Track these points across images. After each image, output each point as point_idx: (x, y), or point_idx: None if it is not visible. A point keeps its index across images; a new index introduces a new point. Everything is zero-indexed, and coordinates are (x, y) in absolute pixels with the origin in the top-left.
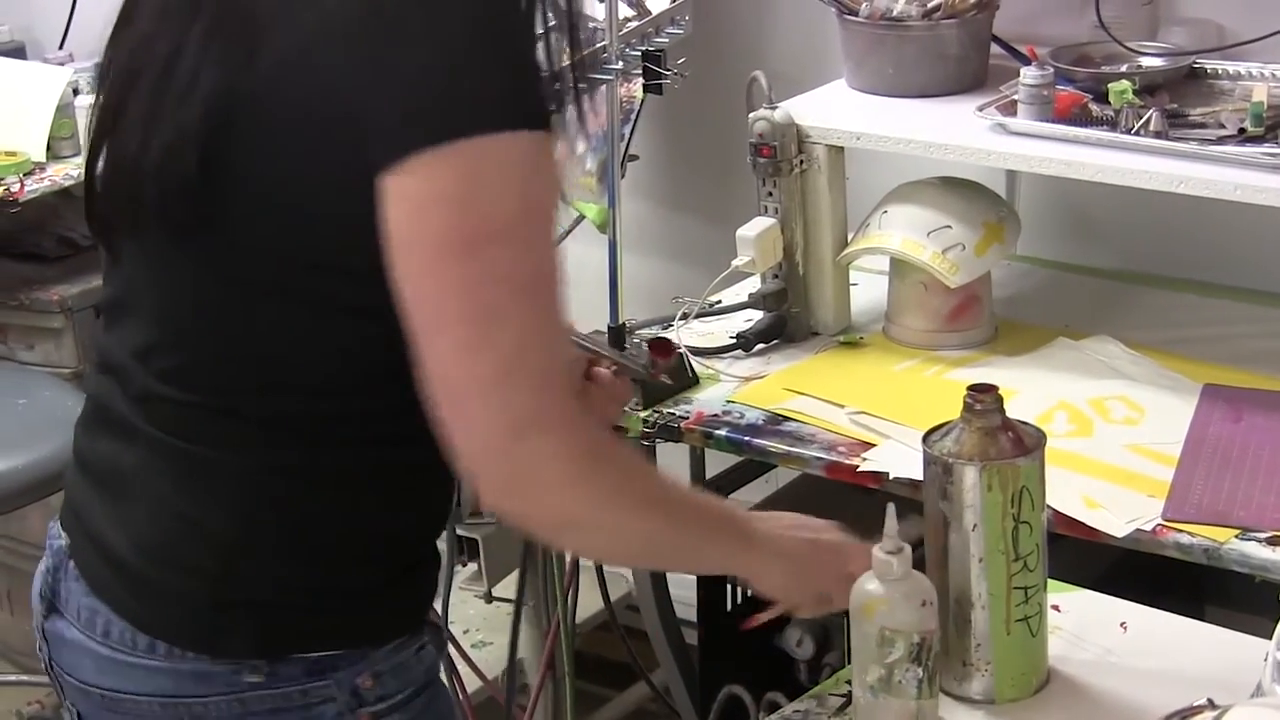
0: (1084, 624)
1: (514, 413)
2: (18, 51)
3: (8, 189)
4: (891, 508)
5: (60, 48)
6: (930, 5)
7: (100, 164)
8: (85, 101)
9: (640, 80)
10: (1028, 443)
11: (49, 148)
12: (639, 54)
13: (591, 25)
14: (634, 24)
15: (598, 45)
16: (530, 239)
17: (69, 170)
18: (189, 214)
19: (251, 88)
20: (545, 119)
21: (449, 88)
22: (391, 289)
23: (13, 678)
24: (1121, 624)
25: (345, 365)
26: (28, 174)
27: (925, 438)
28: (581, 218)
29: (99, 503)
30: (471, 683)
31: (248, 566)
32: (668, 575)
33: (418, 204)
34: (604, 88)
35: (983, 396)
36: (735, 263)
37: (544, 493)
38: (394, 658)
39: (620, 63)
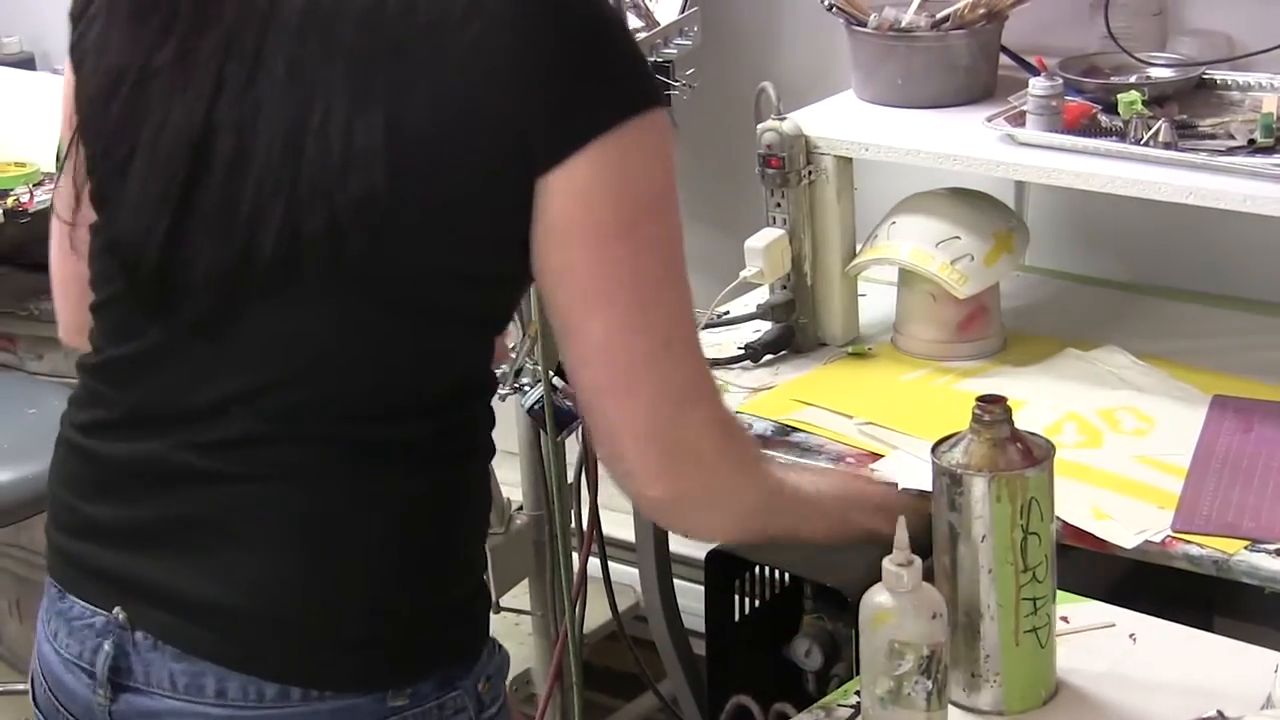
0: (1093, 635)
1: (676, 383)
2: (27, 63)
3: (17, 200)
4: (901, 519)
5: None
6: (939, 16)
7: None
8: None
9: None
10: (1037, 454)
11: (58, 158)
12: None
13: None
14: (642, 35)
15: None
16: (672, 209)
17: None
18: (357, 254)
19: (410, 120)
20: (663, 96)
21: (593, 82)
22: (522, 289)
23: (20, 687)
24: (1131, 635)
25: (460, 379)
26: (37, 184)
27: (934, 449)
28: None
29: (172, 562)
30: None
31: (380, 595)
32: (675, 585)
33: (581, 194)
34: None
35: (991, 407)
36: (743, 274)
37: (696, 465)
38: (492, 661)
39: None
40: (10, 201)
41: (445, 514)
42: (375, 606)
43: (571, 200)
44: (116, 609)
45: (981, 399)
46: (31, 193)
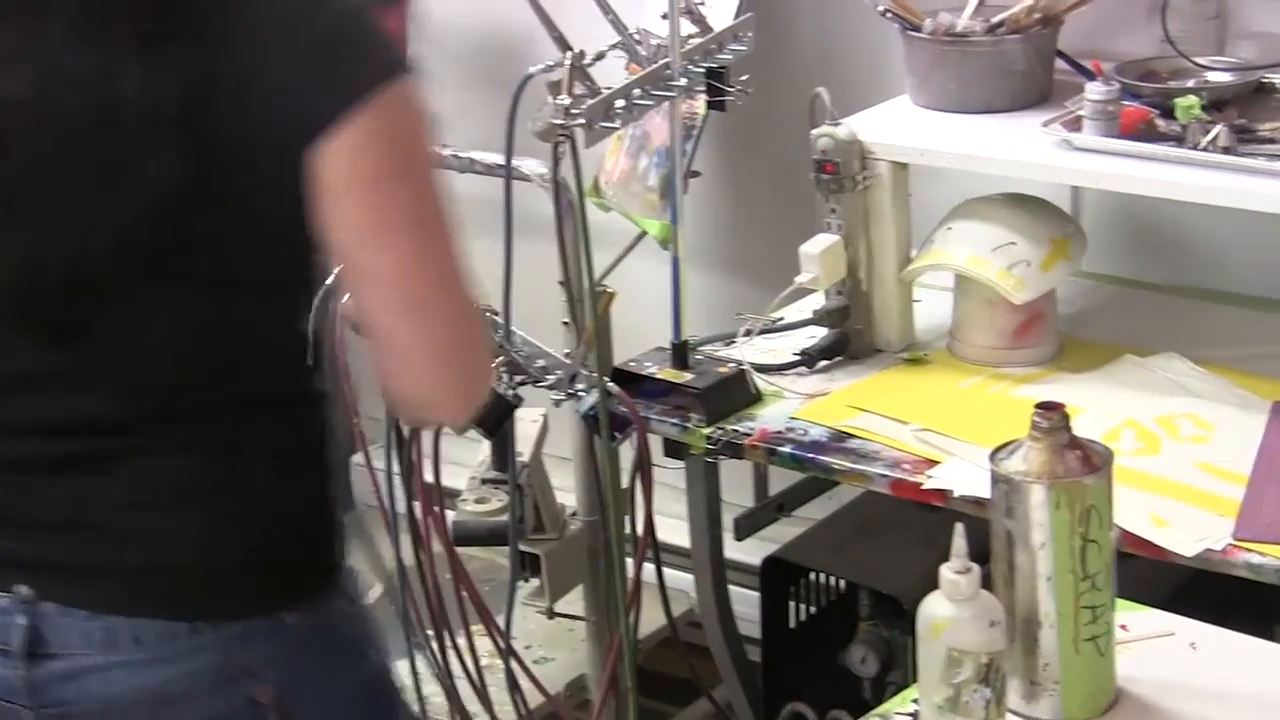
0: (1152, 644)
1: (464, 308)
2: None
3: None
4: (959, 527)
5: None
6: (994, 20)
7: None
8: None
9: (702, 97)
10: (1095, 461)
11: None
12: (702, 71)
13: (655, 42)
14: (697, 40)
15: (661, 62)
16: (432, 161)
17: None
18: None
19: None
20: (409, 67)
21: (354, 55)
22: (316, 244)
23: None
24: (1191, 644)
25: (287, 338)
26: None
27: (992, 456)
28: (644, 234)
29: (67, 536)
30: (534, 698)
31: (261, 533)
32: (730, 592)
33: (355, 150)
34: (667, 104)
35: (1050, 414)
36: (798, 279)
37: (483, 379)
38: (349, 570)
39: (683, 79)
40: None
41: (302, 456)
42: (258, 543)
43: (347, 157)
44: (19, 587)
45: (1040, 406)
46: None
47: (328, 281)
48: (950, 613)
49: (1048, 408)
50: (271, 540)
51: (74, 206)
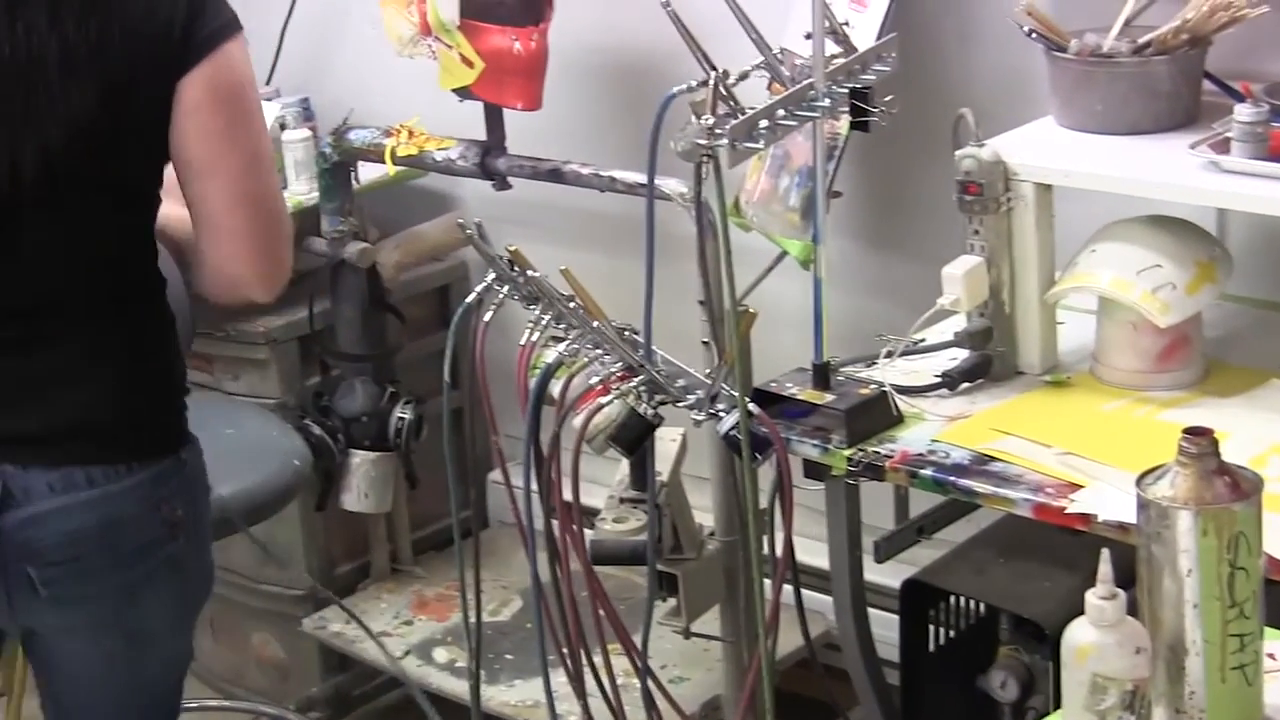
0: None
1: (283, 205)
2: None
3: None
4: (1105, 553)
5: (267, 83)
6: (1141, 41)
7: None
8: (292, 136)
9: (844, 117)
10: (1244, 487)
11: None
12: (846, 91)
13: (798, 62)
14: (841, 61)
15: (805, 82)
16: (257, 95)
17: None
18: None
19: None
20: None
21: (213, 11)
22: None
23: (214, 703)
24: None
25: (154, 246)
26: None
27: (1139, 481)
28: (784, 254)
29: (12, 412)
30: (669, 718)
31: (160, 395)
32: (869, 614)
33: (213, 78)
34: (809, 124)
35: (1198, 439)
36: (941, 301)
37: (287, 253)
38: None
39: (827, 100)
40: None
41: (170, 330)
42: (161, 399)
43: (211, 83)
44: None
45: (1188, 431)
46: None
47: (468, 299)
48: (1096, 639)
49: (1196, 433)
50: (167, 396)
51: (7, 136)
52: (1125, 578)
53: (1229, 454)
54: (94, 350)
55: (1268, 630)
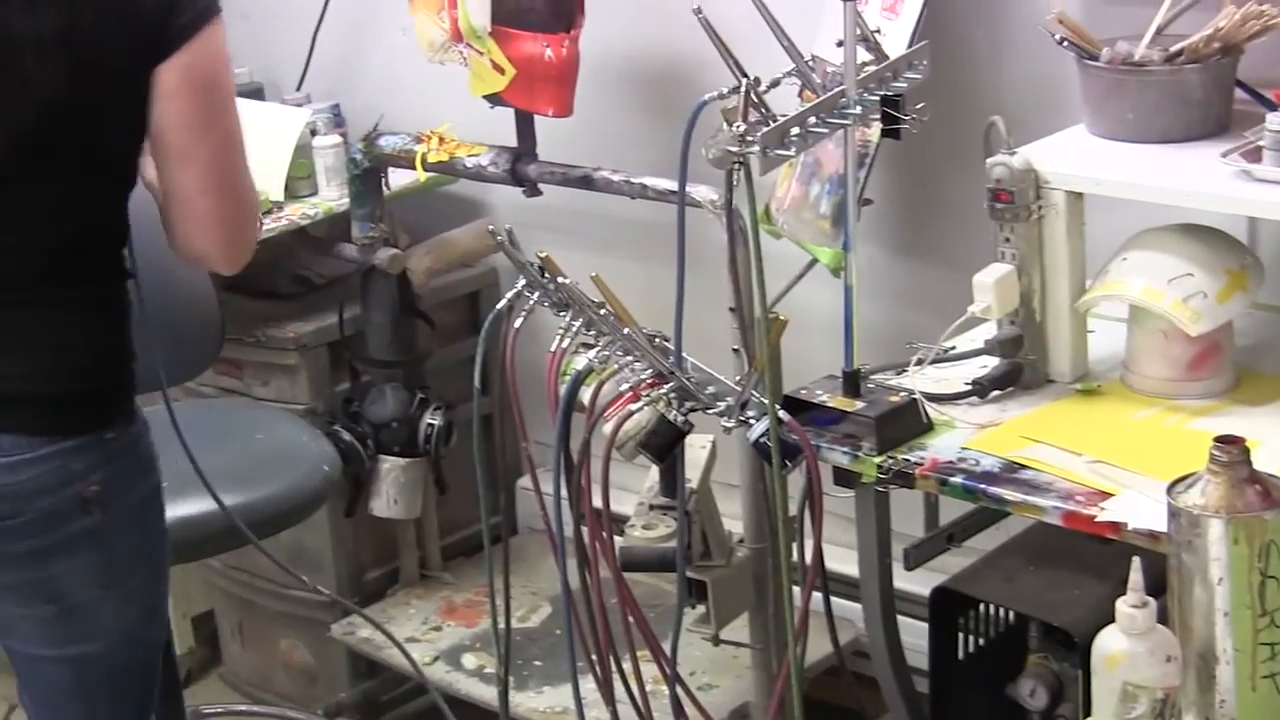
0: None
1: (250, 188)
2: (256, 93)
3: None
4: (1136, 561)
5: (298, 89)
6: (1173, 49)
7: None
8: (323, 142)
9: (875, 124)
10: (1276, 495)
11: (286, 187)
12: (877, 98)
13: (829, 69)
14: (872, 68)
15: (836, 89)
16: (232, 83)
17: (306, 210)
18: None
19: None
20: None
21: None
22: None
23: (242, 708)
24: None
25: (119, 225)
26: (266, 213)
27: (1170, 489)
28: (815, 261)
29: None
30: None
31: (90, 372)
32: (898, 622)
33: (189, 66)
34: (840, 132)
35: (1230, 448)
36: (971, 309)
37: (252, 232)
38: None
39: (859, 107)
40: None
41: (120, 317)
42: (90, 382)
43: (187, 71)
44: None
45: (1219, 439)
46: (260, 221)
47: (499, 305)
48: (1126, 647)
49: (1227, 441)
50: (100, 379)
51: None
52: (1155, 586)
53: (1260, 463)
54: (36, 326)
55: None
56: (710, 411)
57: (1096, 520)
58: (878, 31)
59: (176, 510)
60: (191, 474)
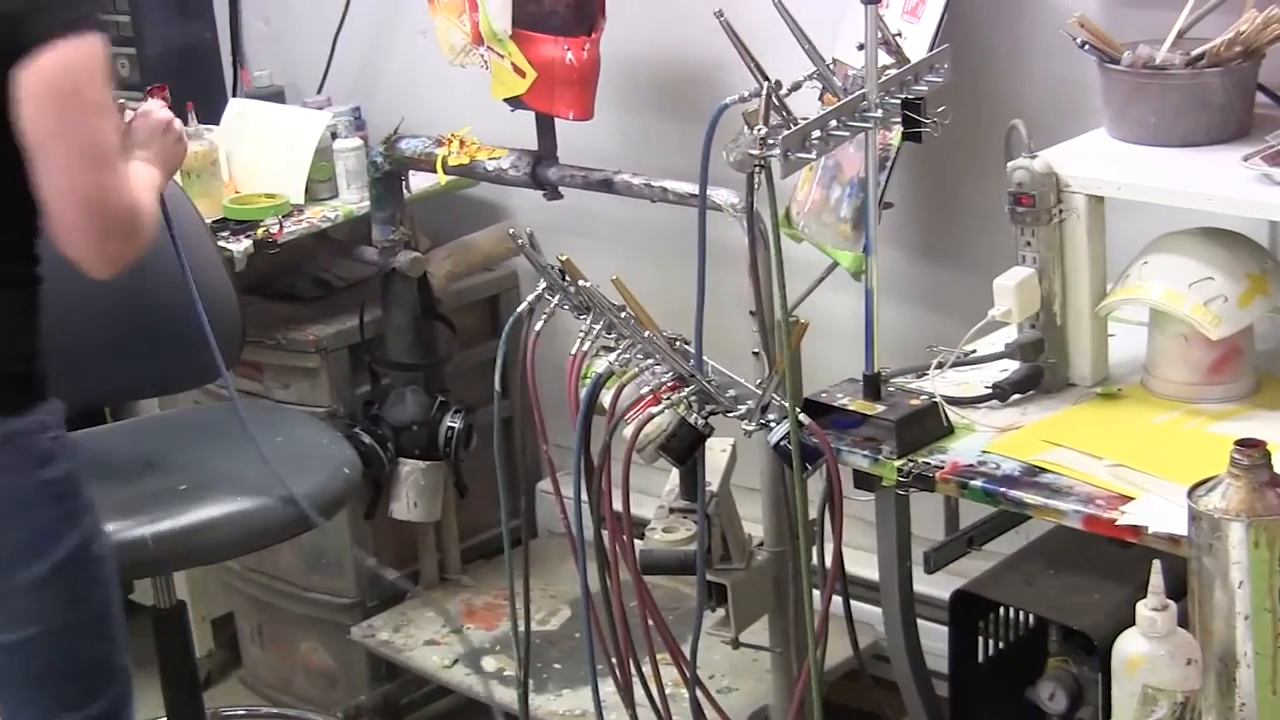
0: None
1: (116, 197)
2: (277, 96)
3: (267, 230)
4: (1157, 564)
5: (319, 92)
6: (1194, 53)
7: None
8: (343, 145)
9: (896, 128)
10: None
11: (307, 190)
12: (898, 102)
13: (850, 73)
14: (893, 71)
15: (857, 93)
16: (103, 95)
17: (326, 213)
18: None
19: None
20: (103, 25)
21: (56, 6)
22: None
23: (262, 710)
24: None
25: (25, 222)
26: (286, 216)
27: (1190, 492)
28: (835, 265)
29: None
30: None
31: (22, 354)
32: (918, 625)
33: (43, 70)
34: (860, 135)
35: (1251, 451)
36: (992, 312)
37: (121, 244)
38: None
39: (880, 110)
40: (260, 233)
41: (35, 300)
42: (24, 364)
43: (40, 75)
44: None
45: (1240, 443)
46: (281, 224)
47: (519, 308)
48: (1146, 650)
49: (1248, 445)
50: (26, 361)
51: None
52: (1175, 590)
53: None
54: None
55: None
56: (731, 415)
57: (1117, 524)
58: (899, 35)
59: (236, 505)
60: (249, 470)
